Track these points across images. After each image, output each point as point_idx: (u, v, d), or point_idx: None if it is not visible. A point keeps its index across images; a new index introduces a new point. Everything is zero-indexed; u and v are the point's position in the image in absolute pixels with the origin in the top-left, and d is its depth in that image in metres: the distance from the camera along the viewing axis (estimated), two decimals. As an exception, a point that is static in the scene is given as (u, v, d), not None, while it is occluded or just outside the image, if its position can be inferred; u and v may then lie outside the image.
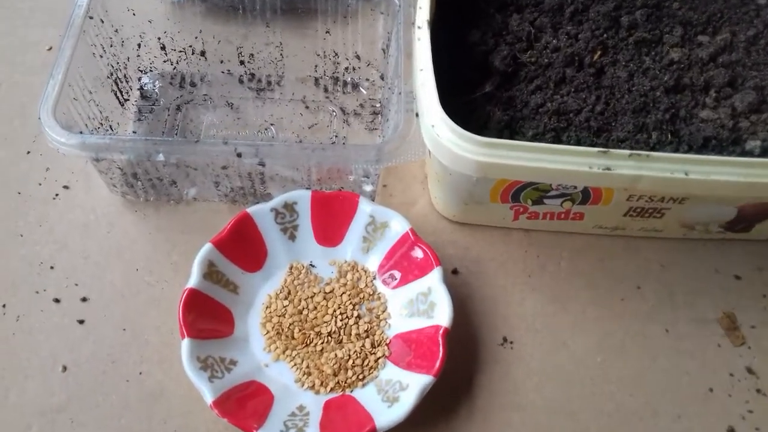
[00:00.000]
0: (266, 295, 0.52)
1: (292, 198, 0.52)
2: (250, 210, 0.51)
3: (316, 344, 0.50)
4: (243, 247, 0.51)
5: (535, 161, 0.45)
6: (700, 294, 0.54)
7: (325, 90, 0.63)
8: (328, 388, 0.48)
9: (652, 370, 0.51)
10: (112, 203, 0.56)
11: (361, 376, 0.49)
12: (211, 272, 0.49)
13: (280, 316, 0.51)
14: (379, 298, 0.52)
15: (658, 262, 0.56)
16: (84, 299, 0.52)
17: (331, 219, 0.53)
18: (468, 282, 0.54)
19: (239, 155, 0.47)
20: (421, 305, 0.50)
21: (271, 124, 0.60)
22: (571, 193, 0.50)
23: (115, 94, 0.58)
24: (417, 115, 0.49)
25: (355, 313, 0.51)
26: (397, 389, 0.47)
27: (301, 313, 0.51)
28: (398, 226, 0.51)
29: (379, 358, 0.49)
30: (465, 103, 0.52)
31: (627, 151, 0.44)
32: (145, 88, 0.61)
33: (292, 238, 0.53)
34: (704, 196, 0.49)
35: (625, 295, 0.54)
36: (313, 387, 0.48)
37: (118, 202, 0.56)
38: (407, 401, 0.45)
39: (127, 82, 0.59)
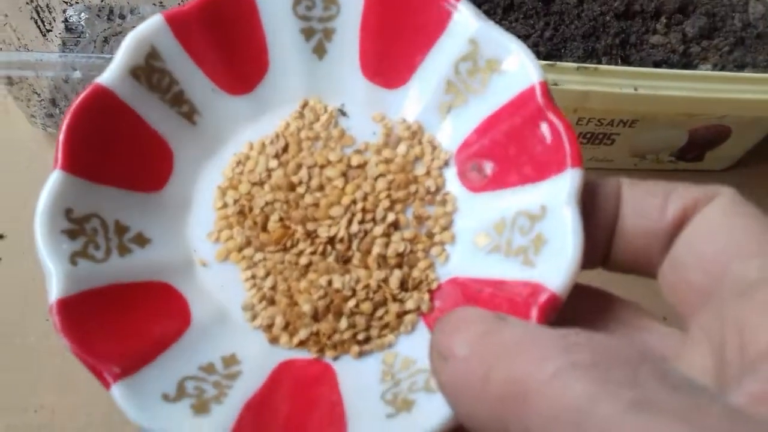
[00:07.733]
0: (246, 142, 0.28)
1: (334, -24, 0.27)
2: (253, -21, 0.27)
3: (301, 251, 0.26)
4: (223, 43, 0.28)
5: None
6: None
7: None
8: (296, 339, 0.25)
9: None
10: (33, 137, 0.52)
11: (362, 336, 0.25)
12: (149, 68, 0.26)
13: (255, 183, 0.27)
14: (444, 203, 0.27)
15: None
16: (1, 236, 0.47)
17: (398, 32, 0.28)
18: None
19: None
20: (518, 236, 0.24)
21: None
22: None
23: (36, 23, 0.53)
24: None
25: (392, 217, 0.27)
26: (419, 386, 0.23)
27: (294, 190, 0.27)
28: (519, 71, 0.25)
29: (407, 312, 0.25)
30: None
31: (575, 64, 0.42)
32: (70, 20, 0.57)
33: (320, 51, 0.29)
34: (654, 116, 0.47)
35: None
36: (270, 327, 0.25)
37: (39, 136, 0.52)
38: (426, 419, 0.21)
39: (49, 12, 0.54)
